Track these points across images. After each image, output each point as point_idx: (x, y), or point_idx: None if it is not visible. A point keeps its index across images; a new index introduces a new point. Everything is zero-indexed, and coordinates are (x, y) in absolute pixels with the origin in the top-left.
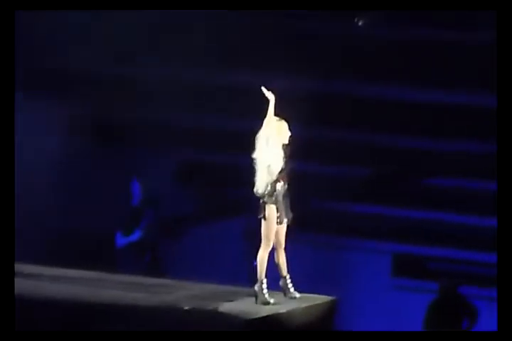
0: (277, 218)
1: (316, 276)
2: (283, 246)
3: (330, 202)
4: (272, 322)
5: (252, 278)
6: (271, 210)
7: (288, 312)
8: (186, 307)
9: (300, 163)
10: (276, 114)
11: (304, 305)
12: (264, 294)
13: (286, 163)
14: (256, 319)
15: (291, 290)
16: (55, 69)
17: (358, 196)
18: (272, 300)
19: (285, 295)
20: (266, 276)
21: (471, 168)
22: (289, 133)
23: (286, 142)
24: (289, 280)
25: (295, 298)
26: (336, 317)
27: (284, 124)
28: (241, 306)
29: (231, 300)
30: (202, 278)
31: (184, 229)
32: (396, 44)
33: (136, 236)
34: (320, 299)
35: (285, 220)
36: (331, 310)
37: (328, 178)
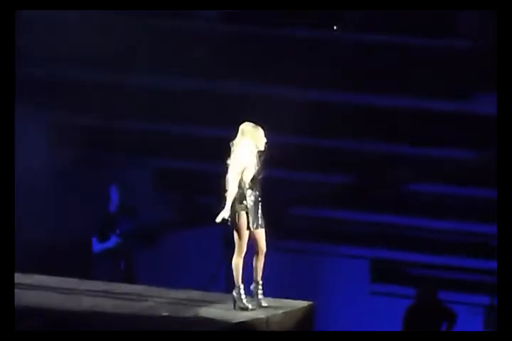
0: (248, 223)
1: (294, 282)
2: (264, 250)
3: (308, 208)
4: (250, 327)
5: (230, 284)
6: (241, 217)
7: (266, 318)
8: (164, 314)
9: (277, 169)
10: (253, 121)
11: (282, 310)
12: (242, 299)
13: (259, 170)
14: (234, 324)
15: (260, 296)
16: (36, 79)
17: (337, 202)
18: (250, 306)
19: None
20: (242, 282)
21: (450, 173)
22: (265, 140)
23: (261, 149)
24: (260, 287)
25: (262, 306)
26: (315, 323)
27: (260, 131)
28: (219, 312)
29: (209, 306)
30: (179, 285)
31: (160, 236)
32: (389, 49)
33: (111, 242)
34: (298, 304)
35: (257, 227)
36: (309, 315)
37: (306, 184)
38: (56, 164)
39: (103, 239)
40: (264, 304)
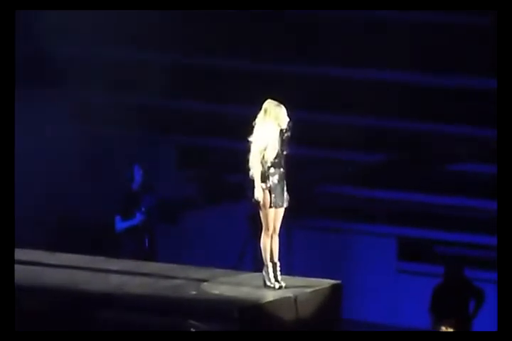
0: (271, 202)
1: (322, 260)
2: (277, 231)
3: (335, 187)
4: (278, 306)
5: (257, 263)
6: (265, 195)
7: (295, 297)
8: (193, 292)
9: (306, 147)
10: (276, 99)
11: (310, 289)
12: (269, 279)
13: (282, 148)
14: (262, 303)
15: (279, 278)
16: (53, 57)
17: (364, 180)
18: (277, 285)
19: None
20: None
21: (476, 152)
22: (287, 119)
23: (284, 127)
24: (278, 268)
25: (280, 287)
26: (342, 301)
27: (283, 110)
28: (246, 291)
29: (236, 285)
30: (203, 263)
31: (184, 214)
32: (398, 27)
33: (137, 219)
34: (326, 283)
35: (281, 205)
36: (337, 294)
37: (334, 163)
38: (79, 142)
39: (128, 216)
40: (283, 284)
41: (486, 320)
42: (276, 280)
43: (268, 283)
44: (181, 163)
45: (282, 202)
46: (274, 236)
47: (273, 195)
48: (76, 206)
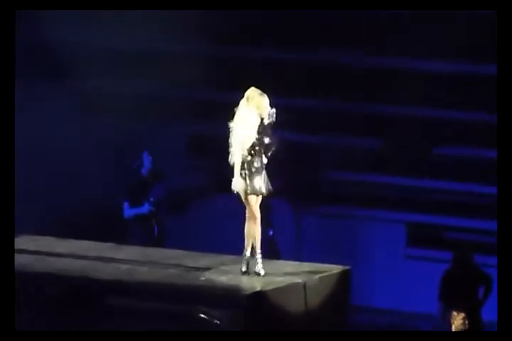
0: (250, 190)
1: (331, 247)
2: (255, 218)
3: (344, 173)
4: (287, 292)
5: (265, 249)
6: (241, 183)
7: (304, 282)
8: (202, 278)
9: (313, 134)
10: (259, 87)
11: (319, 274)
12: (243, 264)
13: (262, 136)
14: (271, 289)
15: (260, 266)
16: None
17: (372, 166)
18: (244, 269)
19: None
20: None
21: (488, 137)
22: (269, 109)
23: (265, 117)
24: (259, 256)
25: (246, 272)
26: (351, 287)
27: (265, 99)
28: (255, 277)
29: (244, 272)
30: (212, 251)
31: (192, 203)
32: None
33: (145, 209)
34: (335, 269)
35: (261, 192)
36: (345, 279)
37: (342, 149)
38: (90, 130)
39: (136, 204)
40: (262, 272)
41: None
42: (256, 269)
43: (242, 268)
44: (191, 151)
45: (262, 190)
46: (254, 223)
47: (253, 183)
48: (87, 193)
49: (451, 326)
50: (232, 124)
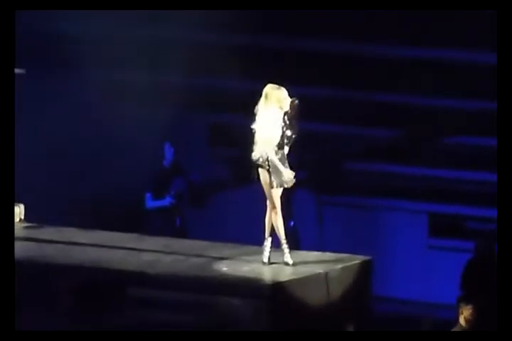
0: (271, 183)
1: (353, 237)
2: (276, 210)
3: (365, 163)
4: (309, 282)
5: (290, 240)
6: (264, 175)
7: (325, 273)
8: (224, 268)
9: (336, 124)
10: (275, 83)
11: (341, 265)
12: (264, 254)
13: (287, 130)
14: (293, 280)
15: (267, 254)
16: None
17: (394, 156)
18: (266, 260)
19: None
20: (270, 236)
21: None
22: (289, 100)
23: (286, 109)
24: (285, 246)
25: (266, 262)
26: (373, 278)
27: (284, 92)
28: (277, 267)
29: (266, 262)
30: (237, 241)
31: (214, 195)
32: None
33: (166, 202)
34: (357, 259)
35: (284, 185)
36: (367, 270)
37: (364, 139)
38: (111, 121)
39: (158, 196)
40: (290, 262)
41: None
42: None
43: (263, 259)
44: (214, 142)
45: (286, 182)
46: (275, 213)
47: (276, 175)
48: (109, 183)
49: (458, 318)
50: (255, 126)
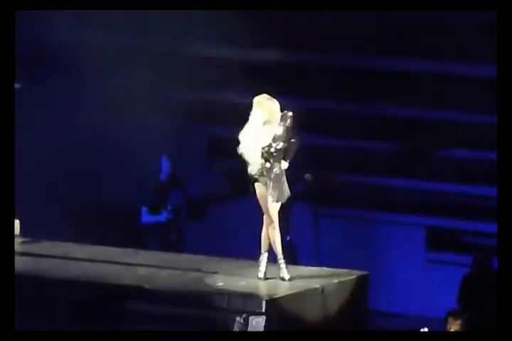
0: (270, 197)
1: (350, 250)
2: (273, 223)
3: (363, 176)
4: (305, 296)
5: (286, 255)
6: (260, 188)
7: (322, 287)
8: (219, 284)
9: (332, 137)
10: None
11: (337, 279)
12: (260, 269)
13: (279, 142)
14: (290, 294)
15: (263, 269)
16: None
17: (392, 169)
18: (261, 276)
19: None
20: (267, 251)
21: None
22: (280, 113)
23: (278, 121)
24: (282, 261)
25: (262, 277)
26: (370, 292)
27: (275, 103)
28: (273, 282)
29: (262, 277)
30: (234, 255)
31: (211, 209)
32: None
33: (162, 217)
34: (353, 274)
35: (281, 199)
36: (364, 284)
37: (362, 152)
38: (107, 132)
39: (153, 211)
40: (286, 277)
41: None
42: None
43: (259, 273)
44: (213, 154)
45: (283, 197)
46: (273, 228)
47: (273, 190)
48: (106, 197)
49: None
50: (242, 135)
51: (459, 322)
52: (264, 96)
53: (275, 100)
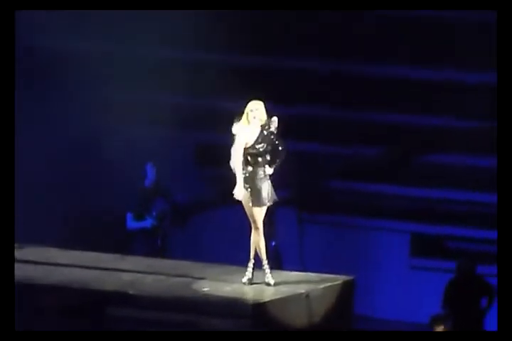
0: (253, 201)
1: (334, 256)
2: (258, 228)
3: (348, 182)
4: (290, 302)
5: (272, 260)
6: (245, 194)
7: (307, 293)
8: (205, 289)
9: (318, 143)
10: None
11: (322, 285)
12: (246, 273)
13: (264, 146)
14: (275, 300)
15: (249, 274)
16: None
17: (377, 176)
18: (246, 281)
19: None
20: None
21: (489, 145)
22: (265, 117)
23: (263, 125)
24: (266, 266)
25: (247, 283)
26: (355, 298)
27: (261, 107)
28: (259, 287)
29: (246, 282)
30: (219, 261)
31: (197, 215)
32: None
33: (147, 223)
34: (338, 279)
35: (264, 203)
36: (349, 290)
37: (343, 158)
38: (92, 140)
39: (139, 218)
40: (271, 282)
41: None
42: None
43: (245, 278)
44: (197, 162)
45: (266, 201)
46: (257, 234)
47: (255, 194)
48: (91, 203)
49: None
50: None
51: (442, 327)
52: (254, 101)
53: (261, 104)
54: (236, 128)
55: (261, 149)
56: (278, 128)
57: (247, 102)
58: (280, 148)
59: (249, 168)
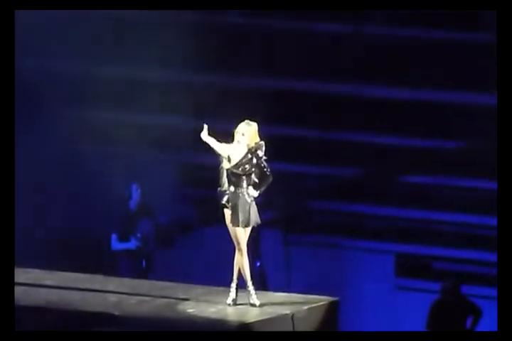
0: (236, 222)
1: (319, 277)
2: (241, 250)
3: (332, 203)
4: (275, 323)
5: (257, 281)
6: (227, 215)
7: (292, 314)
8: (190, 310)
9: (301, 164)
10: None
11: (307, 306)
12: (230, 295)
13: (249, 167)
14: (260, 320)
15: (233, 295)
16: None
17: (361, 196)
18: (231, 302)
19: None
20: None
21: (471, 166)
22: (256, 139)
23: (252, 146)
24: (251, 287)
25: (231, 303)
26: (339, 318)
27: (252, 128)
28: (243, 309)
29: (230, 304)
30: (204, 282)
31: (181, 237)
32: (394, 43)
33: (132, 245)
34: (323, 300)
35: (248, 224)
36: (333, 310)
37: (329, 179)
38: (77, 160)
39: (123, 239)
40: (256, 303)
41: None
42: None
43: (230, 299)
44: (182, 182)
45: (248, 222)
46: (241, 255)
47: (238, 216)
48: (75, 224)
49: None
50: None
51: None
52: (246, 122)
53: (253, 125)
54: (223, 145)
55: (246, 170)
56: (264, 152)
57: (239, 122)
58: (267, 174)
59: (232, 189)
